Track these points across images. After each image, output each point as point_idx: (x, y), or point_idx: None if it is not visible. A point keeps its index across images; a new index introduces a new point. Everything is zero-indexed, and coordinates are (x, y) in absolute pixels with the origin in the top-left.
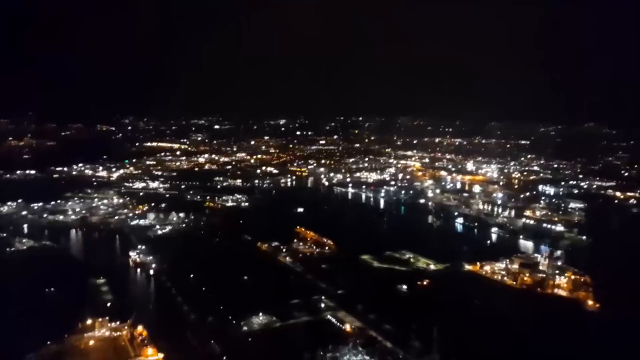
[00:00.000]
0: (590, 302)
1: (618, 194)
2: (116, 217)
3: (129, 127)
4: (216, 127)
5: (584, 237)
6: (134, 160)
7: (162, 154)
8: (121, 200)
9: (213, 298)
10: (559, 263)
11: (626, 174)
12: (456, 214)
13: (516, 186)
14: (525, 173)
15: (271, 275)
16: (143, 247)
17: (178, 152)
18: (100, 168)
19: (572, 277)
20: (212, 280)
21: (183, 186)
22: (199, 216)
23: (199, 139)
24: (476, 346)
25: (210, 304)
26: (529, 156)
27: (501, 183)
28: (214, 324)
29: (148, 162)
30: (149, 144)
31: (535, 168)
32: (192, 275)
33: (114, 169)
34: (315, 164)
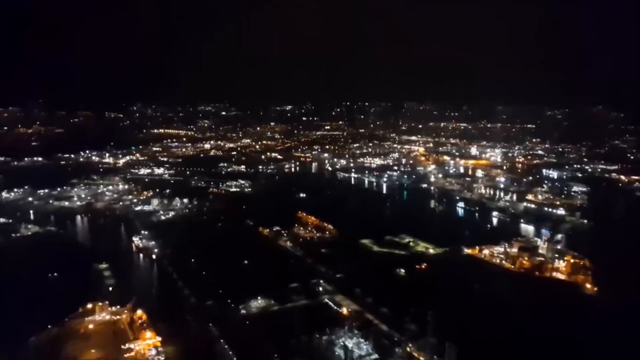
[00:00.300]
0: (588, 286)
1: (622, 177)
2: (121, 203)
3: (137, 114)
4: (223, 113)
5: (586, 221)
6: (140, 147)
7: (169, 140)
8: (126, 187)
9: (213, 282)
10: (559, 247)
11: (632, 157)
12: (458, 198)
13: (520, 170)
14: (529, 157)
15: (271, 260)
16: (146, 232)
17: (184, 139)
18: (107, 155)
19: (571, 260)
20: (213, 265)
21: (188, 172)
22: (203, 202)
23: (206, 125)
24: (471, 329)
25: (210, 288)
26: (534, 140)
27: (505, 167)
28: (213, 307)
29: (154, 149)
30: (156, 130)
31: (540, 152)
32: (193, 260)
33: (120, 156)
34: (319, 150)
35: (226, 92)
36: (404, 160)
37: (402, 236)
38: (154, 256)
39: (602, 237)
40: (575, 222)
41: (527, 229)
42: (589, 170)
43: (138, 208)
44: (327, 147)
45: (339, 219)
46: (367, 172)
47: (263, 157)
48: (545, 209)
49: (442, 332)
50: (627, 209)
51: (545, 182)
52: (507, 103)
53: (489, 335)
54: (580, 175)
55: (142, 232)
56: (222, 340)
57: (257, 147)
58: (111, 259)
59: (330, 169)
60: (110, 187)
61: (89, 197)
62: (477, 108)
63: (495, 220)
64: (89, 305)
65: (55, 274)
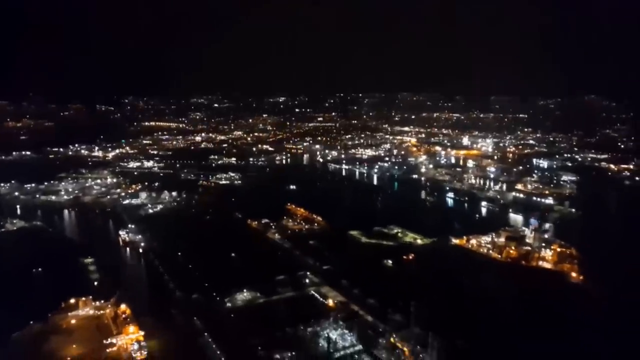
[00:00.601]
0: (574, 275)
1: (612, 166)
2: (109, 197)
3: (128, 107)
4: (215, 105)
5: (574, 210)
6: (130, 140)
7: (160, 133)
8: (115, 180)
9: (200, 275)
10: (546, 236)
11: (622, 146)
12: (448, 188)
13: (510, 160)
14: (520, 147)
15: (259, 252)
16: (134, 226)
17: (175, 131)
18: (97, 148)
19: (558, 249)
20: (200, 258)
21: (178, 165)
22: (192, 195)
23: (198, 117)
24: (456, 319)
25: (197, 281)
26: (525, 130)
27: (495, 157)
28: (199, 300)
29: (145, 142)
30: (147, 123)
31: (531, 141)
32: (180, 253)
33: (110, 149)
34: (311, 141)
35: (219, 84)
36: (395, 151)
37: (391, 227)
38: (140, 250)
39: (590, 226)
40: (564, 211)
41: (516, 218)
42: (579, 159)
43: (126, 201)
44: (319, 138)
45: (328, 210)
46: (358, 163)
47: (254, 149)
48: (534, 198)
49: (426, 323)
50: (615, 198)
51: (535, 171)
52: (500, 93)
53: (474, 325)
54: (570, 164)
55: (130, 225)
56: (206, 334)
57: (249, 139)
58: (97, 253)
59: (321, 160)
60: (99, 181)
61: (76, 191)
62: (470, 98)
63: (484, 210)
64: (72, 300)
65: (40, 269)
